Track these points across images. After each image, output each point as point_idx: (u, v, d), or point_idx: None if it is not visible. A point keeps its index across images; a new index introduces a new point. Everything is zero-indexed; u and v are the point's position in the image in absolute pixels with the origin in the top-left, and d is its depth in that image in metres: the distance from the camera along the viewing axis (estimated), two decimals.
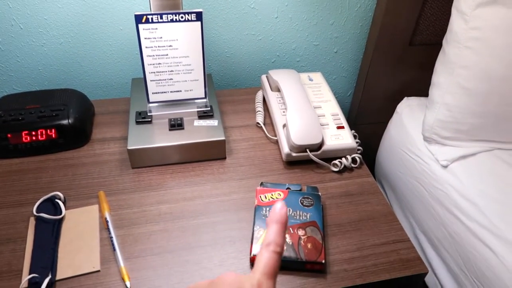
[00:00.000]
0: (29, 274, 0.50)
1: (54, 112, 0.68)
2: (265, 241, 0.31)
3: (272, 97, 0.77)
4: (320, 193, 0.63)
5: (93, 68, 0.83)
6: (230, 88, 0.92)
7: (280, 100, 0.76)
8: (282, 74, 0.78)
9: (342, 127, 0.72)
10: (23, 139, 0.67)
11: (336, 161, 0.69)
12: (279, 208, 0.32)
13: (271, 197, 0.61)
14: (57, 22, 0.75)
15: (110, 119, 0.78)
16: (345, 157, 0.69)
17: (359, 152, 0.71)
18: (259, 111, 0.79)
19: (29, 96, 0.73)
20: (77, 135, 0.70)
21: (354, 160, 0.70)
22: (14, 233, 0.56)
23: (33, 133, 0.67)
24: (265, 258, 0.30)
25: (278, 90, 0.77)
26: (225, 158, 0.70)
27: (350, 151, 0.70)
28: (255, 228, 0.57)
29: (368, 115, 0.98)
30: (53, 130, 0.67)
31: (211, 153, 0.69)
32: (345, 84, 0.99)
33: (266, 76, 0.83)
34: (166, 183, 0.65)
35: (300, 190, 0.64)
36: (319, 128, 0.68)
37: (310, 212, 0.59)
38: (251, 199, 0.63)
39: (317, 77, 0.83)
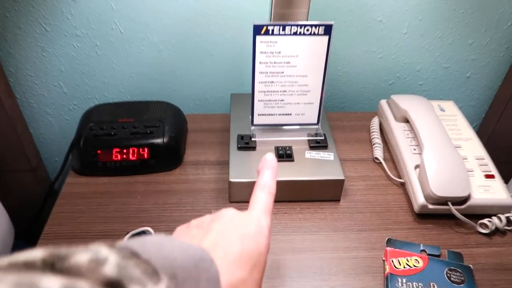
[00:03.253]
0: None
1: (149, 129, 0.60)
2: (259, 184, 0.34)
3: (397, 128, 0.64)
4: (470, 265, 0.48)
5: (189, 79, 0.74)
6: (337, 111, 0.80)
7: (408, 134, 0.62)
8: (411, 101, 0.64)
9: (492, 176, 0.57)
10: (113, 157, 0.59)
11: (485, 221, 0.54)
12: (270, 160, 0.36)
13: (407, 264, 0.48)
14: (159, 27, 0.67)
15: (205, 138, 0.68)
16: (497, 216, 0.54)
17: None
18: (376, 143, 0.66)
19: (122, 107, 0.65)
20: (171, 156, 0.62)
21: (509, 221, 0.54)
22: None
23: (125, 151, 0.59)
24: (262, 199, 0.33)
25: (405, 120, 0.64)
26: (339, 200, 0.58)
27: (502, 208, 0.55)
28: None
29: (499, 151, 0.81)
30: (145, 150, 0.59)
31: (324, 193, 0.57)
32: (472, 113, 0.82)
33: (388, 102, 0.70)
34: (271, 225, 0.54)
35: (439, 256, 0.50)
36: (466, 177, 0.54)
37: None
38: (377, 259, 0.50)
39: (450, 107, 0.69)
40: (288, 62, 0.56)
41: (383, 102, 0.70)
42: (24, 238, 0.73)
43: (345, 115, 0.75)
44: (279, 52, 0.55)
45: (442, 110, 0.68)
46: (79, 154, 0.59)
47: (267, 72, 0.57)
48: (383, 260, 0.50)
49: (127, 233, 0.51)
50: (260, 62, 0.56)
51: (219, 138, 0.68)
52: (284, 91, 0.59)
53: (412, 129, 0.61)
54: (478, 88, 0.79)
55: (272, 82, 0.58)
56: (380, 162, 0.63)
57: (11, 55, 0.69)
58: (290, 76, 0.58)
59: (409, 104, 0.64)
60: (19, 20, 0.65)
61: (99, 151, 0.59)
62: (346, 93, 0.78)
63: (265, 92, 0.59)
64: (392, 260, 0.48)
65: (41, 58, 0.70)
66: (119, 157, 0.59)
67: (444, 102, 0.69)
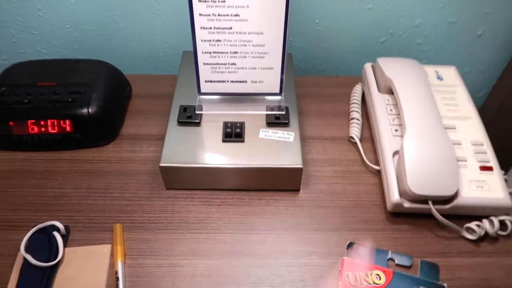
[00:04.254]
0: None
1: (72, 96, 0.49)
2: None
3: (379, 101, 0.52)
4: (445, 285, 0.39)
5: (135, 32, 0.62)
6: (316, 74, 0.67)
7: (392, 110, 0.50)
8: (400, 68, 0.51)
9: (489, 168, 0.45)
10: (29, 129, 0.49)
11: (473, 225, 0.43)
12: None
13: (365, 280, 0.39)
14: None
15: (150, 105, 0.57)
16: (488, 218, 0.44)
17: None
18: (355, 118, 0.54)
19: (45, 66, 0.54)
20: (99, 130, 0.51)
21: (502, 225, 0.44)
22: None
23: (42, 123, 0.49)
24: None
25: (391, 92, 0.51)
26: (298, 190, 0.48)
27: (497, 210, 0.44)
28: None
29: (508, 130, 0.69)
30: (67, 122, 0.49)
31: (279, 182, 0.47)
32: (479, 80, 0.69)
33: (372, 66, 0.57)
34: (210, 220, 0.45)
35: (410, 267, 0.41)
36: (454, 170, 0.43)
37: None
38: (332, 269, 0.41)
39: (450, 74, 0.55)
40: (237, 15, 0.44)
41: (368, 66, 0.57)
42: None
43: (324, 80, 0.62)
44: (224, 1, 0.42)
45: (440, 78, 0.55)
46: None
47: (210, 28, 0.45)
48: (339, 271, 0.41)
49: (34, 226, 0.43)
50: (200, 14, 0.43)
51: (167, 107, 0.56)
52: (235, 52, 0.47)
53: (396, 104, 0.49)
54: (491, 49, 0.64)
55: (219, 40, 0.46)
56: (356, 143, 0.52)
57: None
58: (240, 33, 0.45)
59: (396, 70, 0.51)
60: None
61: (11, 123, 0.49)
62: (328, 53, 0.65)
63: (211, 53, 0.47)
64: (347, 275, 0.39)
65: None
66: (36, 129, 0.49)
67: (444, 67, 0.56)
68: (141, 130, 0.54)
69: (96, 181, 0.48)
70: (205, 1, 0.42)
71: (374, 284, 0.39)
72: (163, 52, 0.64)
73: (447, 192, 0.42)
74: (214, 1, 0.42)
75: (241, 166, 0.45)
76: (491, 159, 0.46)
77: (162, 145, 0.47)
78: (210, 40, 0.46)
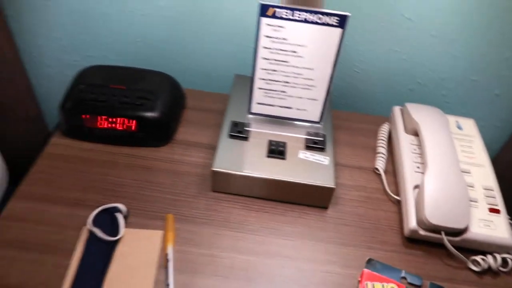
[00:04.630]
0: None
1: (140, 100, 0.57)
2: None
3: (405, 141, 0.59)
4: None
5: (196, 52, 0.70)
6: (349, 110, 0.75)
7: (415, 150, 0.57)
8: (426, 114, 0.59)
9: (497, 211, 0.52)
10: (99, 124, 0.57)
11: (478, 258, 0.49)
12: None
13: None
14: None
15: (202, 117, 0.65)
16: (492, 254, 0.50)
17: None
18: (381, 152, 0.61)
19: (117, 72, 0.62)
20: (160, 132, 0.59)
21: (504, 262, 0.50)
22: (63, 242, 0.47)
23: (111, 119, 0.56)
24: None
25: (416, 134, 0.59)
26: (327, 208, 0.54)
27: (501, 248, 0.50)
28: None
29: None
30: (133, 122, 0.56)
31: (311, 198, 0.53)
32: (495, 135, 0.76)
33: (401, 110, 0.64)
34: (248, 223, 0.51)
35: (420, 286, 0.47)
36: (467, 207, 0.49)
37: None
38: (351, 279, 0.47)
39: (469, 125, 0.63)
40: (294, 52, 0.52)
41: (396, 109, 0.64)
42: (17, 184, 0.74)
43: (355, 116, 0.70)
44: (286, 39, 0.51)
45: (460, 128, 0.62)
46: (65, 116, 0.57)
47: (270, 59, 0.53)
48: (358, 281, 0.46)
49: (98, 206, 0.49)
50: (264, 47, 0.52)
51: (217, 120, 0.64)
52: (287, 82, 0.55)
53: (420, 145, 0.56)
54: (506, 108, 0.72)
55: (275, 70, 0.54)
56: (380, 174, 0.59)
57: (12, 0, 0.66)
58: (295, 67, 0.53)
59: (422, 116, 0.58)
60: None
61: (84, 116, 0.56)
62: (361, 93, 0.72)
63: (266, 80, 0.55)
64: (366, 284, 0.45)
65: (44, 7, 0.67)
66: (105, 124, 0.57)
67: (464, 119, 0.63)
68: (192, 138, 0.61)
69: (151, 176, 0.55)
70: (271, 37, 0.51)
71: None
72: (216, 73, 0.72)
73: (459, 225, 0.48)
74: (278, 38, 0.51)
75: (281, 179, 0.52)
76: (499, 203, 0.52)
77: (214, 153, 0.54)
78: (268, 69, 0.54)
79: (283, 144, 0.55)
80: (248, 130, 0.57)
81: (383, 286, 0.45)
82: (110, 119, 0.57)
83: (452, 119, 0.62)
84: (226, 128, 0.57)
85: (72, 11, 0.67)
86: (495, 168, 0.57)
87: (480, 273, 0.49)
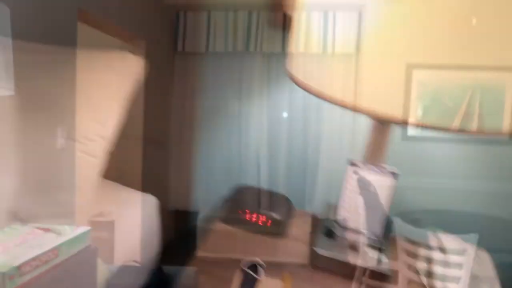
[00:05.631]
0: None
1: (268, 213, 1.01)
2: None
3: None
4: None
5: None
6: None
7: None
8: None
9: None
10: (247, 216, 1.00)
11: None
12: None
13: None
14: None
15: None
16: None
17: None
18: None
19: (263, 195, 1.08)
20: (280, 231, 1.00)
21: None
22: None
23: (257, 215, 1.00)
24: None
25: None
26: None
27: None
28: None
29: None
30: (269, 221, 0.99)
31: None
32: None
33: None
34: None
35: None
36: None
37: None
38: None
39: None
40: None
41: None
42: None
43: None
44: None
45: None
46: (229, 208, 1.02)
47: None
48: None
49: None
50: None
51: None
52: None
53: None
54: None
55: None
56: None
57: None
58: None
59: None
60: None
61: (247, 211, 1.00)
62: None
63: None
64: None
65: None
66: (253, 219, 1.00)
67: None
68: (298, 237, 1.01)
69: (264, 258, 0.95)
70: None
71: None
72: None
73: None
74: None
75: None
76: None
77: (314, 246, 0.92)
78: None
79: None
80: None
81: None
82: (257, 216, 1.00)
83: None
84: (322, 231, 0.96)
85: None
86: None
87: None
